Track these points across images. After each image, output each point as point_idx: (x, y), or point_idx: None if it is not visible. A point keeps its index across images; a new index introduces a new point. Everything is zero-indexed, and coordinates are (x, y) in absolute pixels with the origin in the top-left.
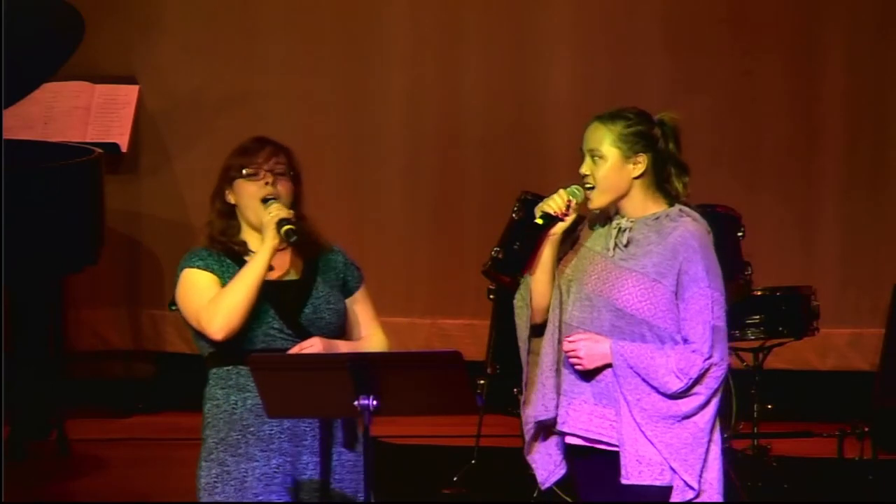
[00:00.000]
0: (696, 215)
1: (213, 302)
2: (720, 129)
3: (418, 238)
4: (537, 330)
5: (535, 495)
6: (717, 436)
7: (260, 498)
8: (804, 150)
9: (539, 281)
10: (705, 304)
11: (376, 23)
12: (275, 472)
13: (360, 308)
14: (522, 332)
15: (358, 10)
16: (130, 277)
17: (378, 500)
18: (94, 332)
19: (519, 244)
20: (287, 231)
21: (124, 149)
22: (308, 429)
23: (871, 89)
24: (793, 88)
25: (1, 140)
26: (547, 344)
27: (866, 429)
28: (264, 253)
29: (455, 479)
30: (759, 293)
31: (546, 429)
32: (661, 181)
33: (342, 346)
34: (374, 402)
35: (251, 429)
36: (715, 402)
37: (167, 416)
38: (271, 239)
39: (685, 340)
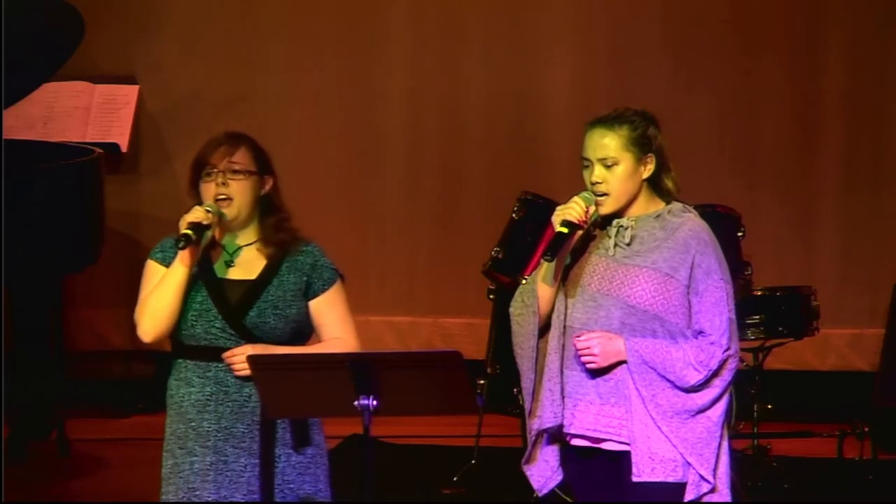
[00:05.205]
0: (696, 212)
1: (139, 305)
2: (720, 129)
3: (419, 237)
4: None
5: (534, 495)
6: (724, 431)
7: (196, 493)
8: (804, 150)
9: (550, 288)
10: (721, 297)
11: (377, 22)
12: (208, 469)
13: (328, 310)
14: (528, 339)
15: (358, 9)
16: (130, 277)
17: (378, 501)
18: (94, 332)
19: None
20: (180, 235)
21: (124, 149)
22: (246, 431)
23: (871, 89)
24: (793, 88)
25: (1, 140)
26: (552, 350)
27: (866, 429)
28: (177, 258)
29: (455, 479)
30: (758, 293)
31: (547, 436)
32: (658, 179)
33: (279, 352)
34: (374, 402)
35: (192, 423)
36: (727, 396)
37: None
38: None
39: (700, 333)
